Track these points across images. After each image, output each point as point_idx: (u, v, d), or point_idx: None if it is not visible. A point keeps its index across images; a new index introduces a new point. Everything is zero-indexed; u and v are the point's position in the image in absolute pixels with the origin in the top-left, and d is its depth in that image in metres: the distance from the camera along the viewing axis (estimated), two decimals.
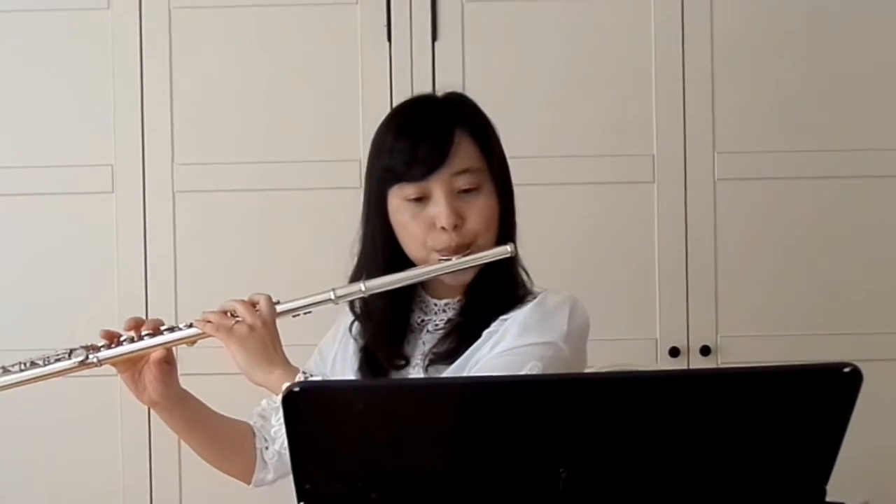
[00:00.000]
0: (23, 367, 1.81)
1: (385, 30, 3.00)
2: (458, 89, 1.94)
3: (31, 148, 3.03)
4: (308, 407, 1.32)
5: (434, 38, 3.00)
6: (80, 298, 2.99)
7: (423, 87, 2.95)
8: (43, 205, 3.02)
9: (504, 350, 1.80)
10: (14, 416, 3.00)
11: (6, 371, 1.81)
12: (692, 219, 3.00)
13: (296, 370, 1.75)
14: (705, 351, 2.98)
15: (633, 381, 1.38)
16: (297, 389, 1.30)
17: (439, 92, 1.93)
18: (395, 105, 2.00)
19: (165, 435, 2.91)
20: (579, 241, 2.98)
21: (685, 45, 3.00)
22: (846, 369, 1.31)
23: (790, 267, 3.00)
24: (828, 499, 1.37)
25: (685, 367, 2.93)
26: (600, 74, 3.01)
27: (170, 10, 3.01)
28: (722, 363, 2.97)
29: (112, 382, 2.94)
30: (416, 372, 1.87)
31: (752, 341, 2.98)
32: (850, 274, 3.01)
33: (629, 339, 2.93)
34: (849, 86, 3.01)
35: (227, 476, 1.99)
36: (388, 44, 3.01)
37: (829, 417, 1.33)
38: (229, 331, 1.76)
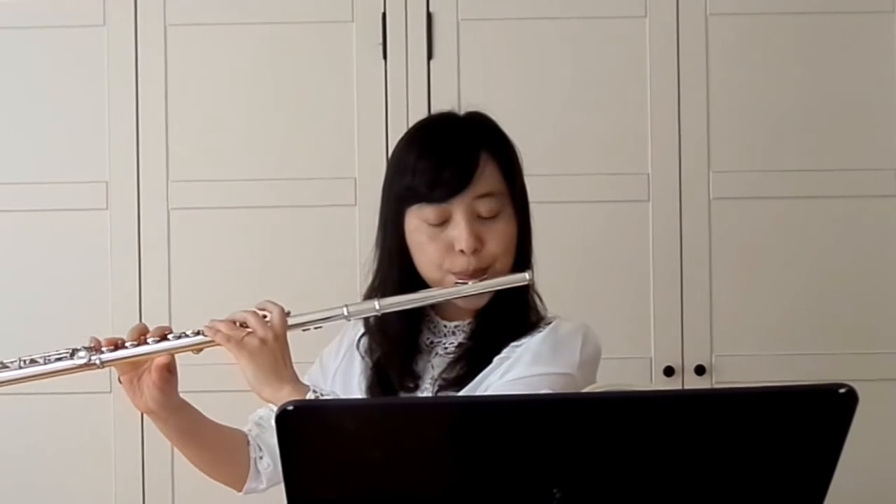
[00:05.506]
0: (22, 363, 1.75)
1: (380, 48, 3.00)
2: (455, 107, 1.92)
3: (26, 164, 3.02)
4: (302, 426, 1.32)
5: (429, 56, 3.00)
6: (74, 315, 2.98)
7: (419, 106, 2.95)
8: (37, 221, 3.01)
9: (515, 378, 1.78)
10: (6, 431, 3.00)
11: (4, 367, 1.75)
12: (687, 238, 3.00)
13: (306, 388, 1.72)
14: (700, 370, 2.97)
15: (627, 401, 1.37)
16: (290, 408, 1.30)
17: (461, 111, 1.90)
18: (414, 123, 1.96)
19: (158, 451, 2.95)
20: (574, 259, 2.97)
21: (680, 63, 3.00)
22: (841, 390, 1.31)
23: (785, 286, 3.00)
24: None
25: (680, 386, 2.93)
26: (595, 93, 3.02)
27: (165, 27, 3.01)
28: (716, 383, 2.97)
29: (105, 399, 2.97)
30: (425, 395, 1.84)
31: (746, 361, 2.98)
32: (845, 293, 3.01)
33: (624, 357, 2.92)
34: (843, 106, 3.02)
35: (219, 491, 1.97)
36: (383, 62, 3.01)
37: (825, 439, 1.33)
38: (240, 342, 1.72)
